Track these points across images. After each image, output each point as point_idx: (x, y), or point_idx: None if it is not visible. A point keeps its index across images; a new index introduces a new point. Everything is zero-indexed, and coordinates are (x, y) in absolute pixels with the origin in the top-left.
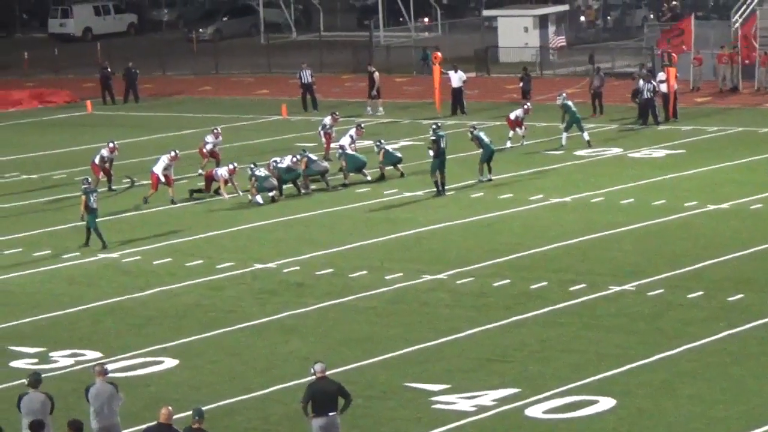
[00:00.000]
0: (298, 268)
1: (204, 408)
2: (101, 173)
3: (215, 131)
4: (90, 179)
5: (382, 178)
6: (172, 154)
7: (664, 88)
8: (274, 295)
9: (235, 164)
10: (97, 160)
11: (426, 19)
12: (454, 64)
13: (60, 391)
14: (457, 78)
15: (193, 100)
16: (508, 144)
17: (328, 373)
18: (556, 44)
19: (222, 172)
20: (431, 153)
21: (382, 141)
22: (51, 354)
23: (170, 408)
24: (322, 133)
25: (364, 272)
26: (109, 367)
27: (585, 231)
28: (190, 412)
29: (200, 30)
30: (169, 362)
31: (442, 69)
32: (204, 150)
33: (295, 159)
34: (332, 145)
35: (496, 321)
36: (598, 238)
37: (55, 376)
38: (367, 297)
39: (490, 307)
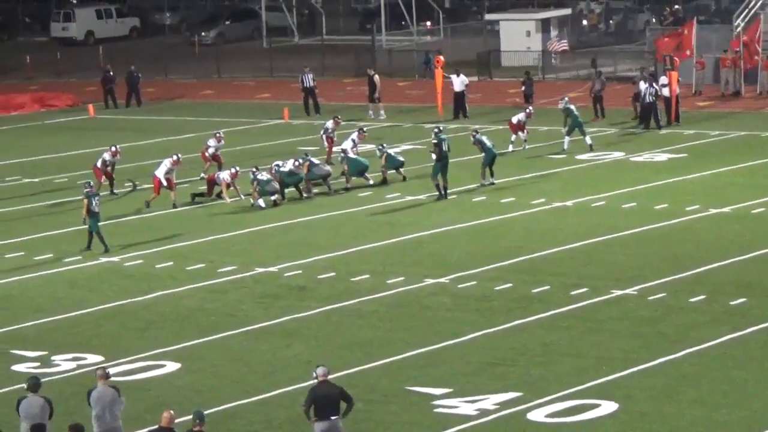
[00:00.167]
0: (300, 271)
1: (206, 412)
2: (103, 177)
3: (218, 135)
4: (92, 183)
5: (384, 182)
6: (174, 158)
7: (666, 92)
8: (276, 298)
9: (237, 168)
10: (99, 164)
11: (428, 23)
12: (456, 68)
13: (62, 394)
14: (459, 82)
15: (195, 103)
16: (510, 148)
17: (330, 376)
18: (558, 48)
19: (224, 175)
20: (434, 156)
21: (385, 145)
22: (53, 357)
23: (172, 412)
24: (324, 136)
25: (366, 276)
26: (111, 370)
27: (587, 235)
28: (192, 416)
29: (202, 34)
30: (171, 366)
31: (445, 73)
32: (206, 154)
33: (297, 163)
34: (334, 148)
35: (498, 325)
36: (600, 241)
37: (57, 380)
38: (369, 301)
39: (492, 310)
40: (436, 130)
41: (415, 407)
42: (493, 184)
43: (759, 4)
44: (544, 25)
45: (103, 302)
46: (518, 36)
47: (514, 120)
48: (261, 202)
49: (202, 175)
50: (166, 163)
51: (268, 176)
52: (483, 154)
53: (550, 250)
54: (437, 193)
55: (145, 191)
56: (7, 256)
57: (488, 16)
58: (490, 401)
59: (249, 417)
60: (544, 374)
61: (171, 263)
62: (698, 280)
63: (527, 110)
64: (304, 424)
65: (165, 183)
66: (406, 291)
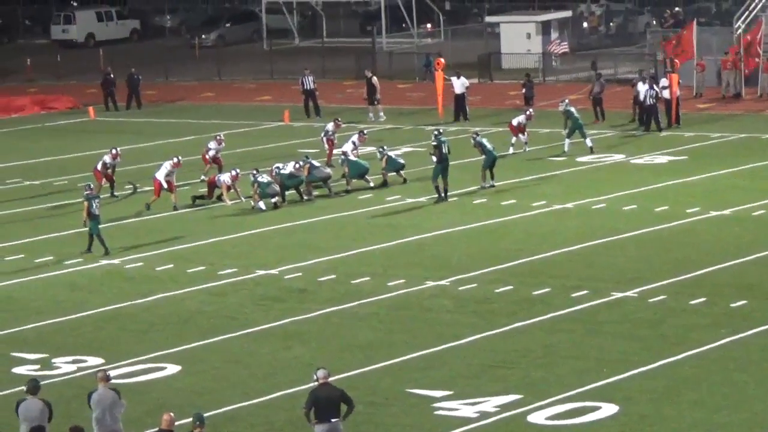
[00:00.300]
0: (300, 274)
1: (206, 414)
2: (104, 179)
3: (218, 138)
4: (92, 185)
5: (384, 184)
6: (175, 160)
7: (666, 94)
8: (277, 301)
9: (238, 170)
10: (99, 167)
11: (429, 26)
12: (456, 70)
13: (62, 397)
14: (459, 84)
15: (195, 106)
16: (511, 150)
17: (330, 379)
18: (558, 50)
19: (224, 178)
20: (434, 159)
21: (385, 147)
22: (53, 360)
23: (172, 414)
24: (324, 139)
25: (367, 278)
26: (112, 373)
27: (587, 237)
28: (192, 418)
29: (203, 36)
30: (172, 368)
31: (445, 75)
32: (206, 156)
33: (297, 165)
34: (335, 151)
35: (499, 327)
36: (600, 244)
37: (58, 383)
38: (369, 303)
39: (492, 313)
40: (436, 132)
41: (415, 409)
42: (493, 186)
43: (759, 6)
44: (545, 28)
45: (103, 305)
46: (518, 38)
47: (515, 122)
48: (261, 204)
49: (203, 177)
50: (167, 166)
51: (269, 178)
52: (483, 157)
53: (550, 252)
54: (437, 195)
55: (145, 194)
56: (7, 258)
57: (488, 19)
58: (490, 403)
59: (249, 419)
60: (545, 376)
61: (171, 265)
62: (698, 282)
63: (528, 112)
64: (305, 426)
65: (165, 185)
66: (406, 293)
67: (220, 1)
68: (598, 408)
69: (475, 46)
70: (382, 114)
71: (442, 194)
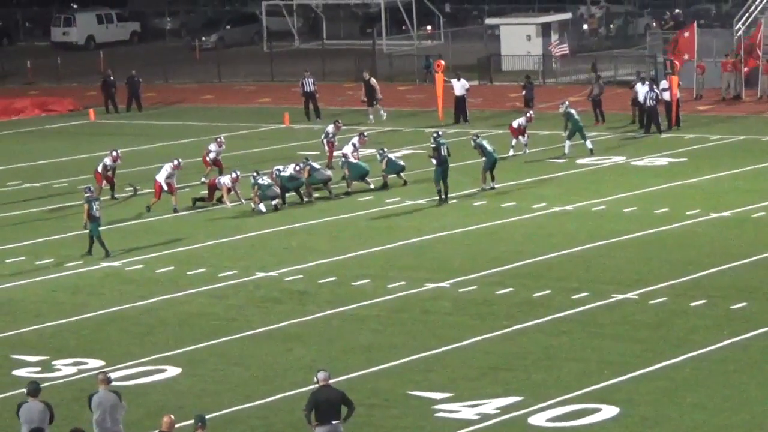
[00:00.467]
0: (300, 276)
1: (207, 416)
2: (104, 182)
3: (218, 140)
4: (92, 188)
5: (384, 186)
6: (175, 162)
7: (666, 96)
8: (277, 303)
9: (238, 173)
10: (100, 169)
11: (429, 28)
12: (456, 72)
13: (63, 399)
14: (459, 86)
15: (195, 108)
16: (511, 152)
17: (331, 381)
18: (558, 52)
19: (225, 180)
20: (434, 161)
21: (385, 149)
22: (54, 362)
23: (172, 416)
24: (324, 141)
25: (367, 280)
26: (112, 375)
27: (588, 239)
28: (193, 421)
29: (203, 38)
30: (172, 370)
31: (445, 77)
32: (207, 158)
33: (297, 167)
34: (335, 153)
35: (499, 329)
36: (600, 246)
37: (58, 385)
38: (369, 305)
39: (493, 315)
40: (435, 134)
41: (416, 411)
42: (493, 188)
43: (760, 8)
44: (545, 30)
45: (104, 307)
46: (519, 40)
47: (515, 124)
48: (262, 206)
49: (203, 179)
50: (167, 168)
51: (269, 181)
52: (484, 159)
53: (550, 254)
54: (438, 197)
55: (145, 196)
56: (8, 260)
57: (489, 21)
58: (491, 406)
59: (250, 422)
60: (545, 378)
61: (172, 268)
62: (699, 284)
63: (528, 114)
64: (306, 428)
65: (166, 188)
66: (406, 295)
67: (220, 3)
68: (598, 410)
69: (475, 48)
70: (383, 113)
71: (443, 197)
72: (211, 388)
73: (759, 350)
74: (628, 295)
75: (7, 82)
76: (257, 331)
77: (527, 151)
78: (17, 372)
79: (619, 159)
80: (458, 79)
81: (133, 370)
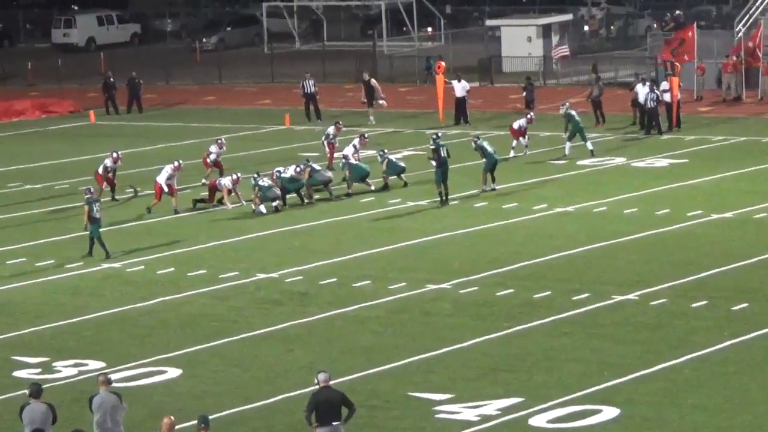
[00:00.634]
0: (301, 277)
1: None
2: (104, 183)
3: (219, 141)
4: (93, 189)
5: (385, 187)
6: (176, 164)
7: (667, 97)
8: (278, 304)
9: (239, 174)
10: (100, 170)
11: (429, 29)
12: (457, 73)
13: (63, 400)
14: (460, 87)
15: (196, 109)
16: (512, 153)
17: (331, 382)
18: (559, 54)
19: (225, 181)
20: (434, 163)
21: (386, 151)
22: (54, 364)
23: (172, 418)
24: (325, 142)
25: (368, 282)
26: (113, 376)
27: (588, 240)
28: (194, 422)
29: (204, 40)
30: (173, 372)
31: (446, 78)
32: (208, 160)
33: (298, 169)
34: (336, 154)
35: (500, 330)
36: (601, 247)
37: (59, 386)
38: (370, 306)
39: (493, 316)
40: (434, 136)
41: (416, 413)
42: (494, 189)
43: (760, 9)
44: (545, 31)
45: (104, 308)
46: (519, 42)
47: (516, 125)
48: (262, 208)
49: (204, 181)
50: (168, 169)
51: (270, 182)
52: (484, 160)
53: (551, 255)
54: (439, 199)
55: (146, 197)
56: (8, 262)
57: (489, 22)
58: (491, 407)
59: (251, 423)
60: (546, 380)
61: (172, 269)
62: (700, 285)
63: (528, 116)
64: (306, 429)
65: (166, 189)
66: (407, 296)
67: (220, 5)
68: (599, 411)
69: (476, 49)
70: (382, 101)
71: (443, 198)
72: (212, 390)
73: (760, 351)
74: (629, 296)
75: (7, 84)
76: (258, 332)
77: (528, 152)
78: (18, 373)
79: (619, 160)
80: (459, 81)
81: (133, 371)
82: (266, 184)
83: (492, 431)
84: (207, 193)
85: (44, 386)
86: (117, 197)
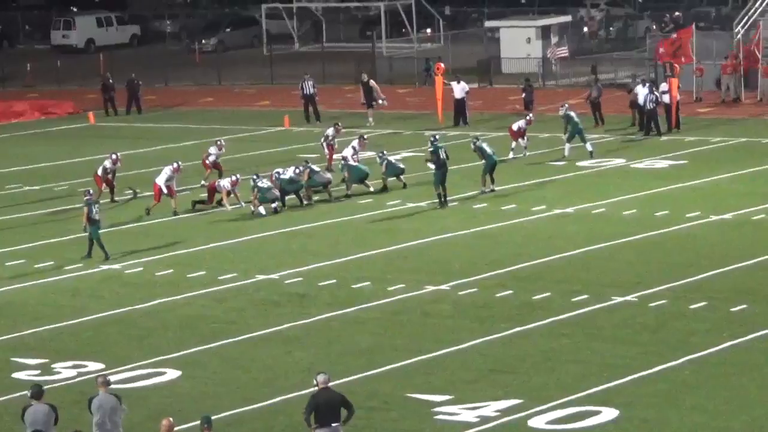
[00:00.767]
0: (300, 279)
1: None
2: (104, 185)
3: (218, 143)
4: (92, 191)
5: (384, 189)
6: (175, 165)
7: (666, 98)
8: (277, 306)
9: (238, 175)
10: (99, 172)
11: (428, 31)
12: (456, 75)
13: (62, 402)
14: (459, 89)
15: (195, 111)
16: (511, 155)
17: (330, 383)
18: (558, 55)
19: (225, 183)
20: (431, 165)
21: (385, 152)
22: (53, 365)
23: (171, 419)
24: (324, 144)
25: (367, 283)
26: (112, 378)
27: (588, 242)
28: (193, 424)
29: (203, 41)
30: (172, 373)
31: (445, 80)
32: (207, 161)
33: (297, 170)
34: (335, 156)
35: (499, 332)
36: (600, 248)
37: (58, 388)
38: (369, 308)
39: (492, 317)
40: (432, 138)
41: (415, 414)
42: (493, 191)
43: (759, 10)
44: (545, 33)
45: (103, 310)
46: (518, 43)
47: (515, 127)
48: (261, 209)
49: (203, 182)
50: (167, 171)
51: (269, 183)
52: (483, 161)
53: (550, 256)
54: (438, 200)
55: (145, 199)
56: (7, 263)
57: (488, 23)
58: (490, 408)
59: (250, 424)
60: (545, 381)
61: (171, 271)
62: (699, 286)
63: (527, 117)
64: (305, 431)
65: (165, 190)
66: (406, 298)
67: (220, 6)
68: (598, 412)
69: (475, 50)
70: (382, 101)
71: (442, 200)
72: (211, 391)
73: (759, 352)
74: (628, 298)
75: (6, 85)
76: (257, 333)
77: (527, 153)
78: (17, 375)
79: (619, 161)
80: (458, 82)
81: (132, 372)
82: (265, 186)
83: None
84: (206, 194)
85: (43, 388)
86: (116, 199)
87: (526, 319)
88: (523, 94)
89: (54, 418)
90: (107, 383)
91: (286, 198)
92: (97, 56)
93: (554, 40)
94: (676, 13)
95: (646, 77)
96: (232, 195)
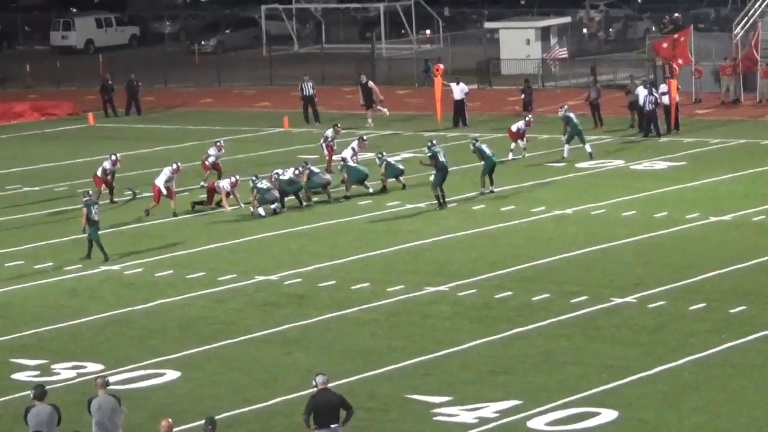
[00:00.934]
0: (300, 280)
1: None
2: (103, 185)
3: (218, 144)
4: (91, 192)
5: (384, 190)
6: (174, 166)
7: (665, 99)
8: (276, 307)
9: (237, 177)
10: (99, 173)
11: (428, 32)
12: (455, 76)
13: (62, 403)
14: (458, 90)
15: (195, 112)
16: (510, 156)
17: (330, 384)
18: (557, 56)
19: (224, 184)
20: (425, 164)
21: (384, 153)
22: (53, 366)
23: (170, 420)
24: (324, 145)
25: (366, 284)
26: (111, 379)
27: (587, 243)
28: (192, 425)
29: (202, 42)
30: (171, 374)
31: (444, 81)
32: (206, 162)
33: (297, 171)
34: (334, 157)
35: (498, 333)
36: (599, 250)
37: (57, 389)
38: (369, 309)
39: (492, 319)
40: (429, 144)
41: (414, 415)
42: (492, 192)
43: (759, 11)
44: (544, 34)
45: (103, 311)
46: (518, 44)
47: (514, 128)
48: (261, 210)
49: (202, 183)
50: (166, 172)
51: (268, 185)
52: (483, 162)
53: (550, 258)
54: (437, 202)
55: (144, 200)
56: (7, 264)
57: (488, 25)
58: (490, 409)
59: (249, 425)
60: (545, 382)
61: (171, 272)
62: (698, 287)
63: (527, 118)
64: None
65: (165, 191)
66: (406, 299)
67: (219, 7)
68: (597, 414)
69: (475, 52)
70: (385, 110)
71: (441, 201)
72: (211, 392)
73: (758, 353)
74: (627, 299)
75: (6, 86)
76: (256, 334)
77: (526, 154)
78: (16, 376)
79: (618, 163)
80: (457, 83)
81: (132, 373)
82: (265, 187)
83: None
84: (205, 195)
85: (46, 388)
86: (116, 200)
87: (526, 320)
88: (523, 96)
89: (57, 418)
90: (106, 384)
91: (286, 199)
92: (97, 57)
93: (553, 41)
94: (676, 15)
95: (646, 78)
96: (231, 196)
